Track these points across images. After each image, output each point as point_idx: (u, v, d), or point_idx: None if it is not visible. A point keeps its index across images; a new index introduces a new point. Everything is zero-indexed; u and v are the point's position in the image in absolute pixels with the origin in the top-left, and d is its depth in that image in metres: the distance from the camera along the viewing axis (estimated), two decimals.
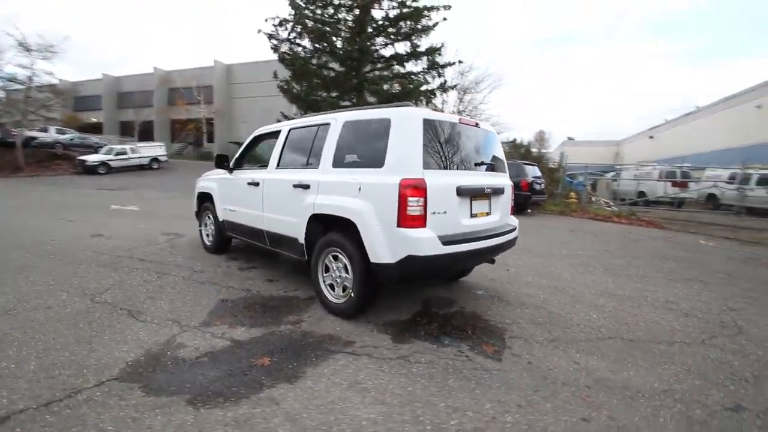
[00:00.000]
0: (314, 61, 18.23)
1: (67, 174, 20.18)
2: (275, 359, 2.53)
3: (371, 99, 18.67)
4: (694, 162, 20.10)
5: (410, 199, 2.73)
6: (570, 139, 47.75)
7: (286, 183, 3.70)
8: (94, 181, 17.44)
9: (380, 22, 17.83)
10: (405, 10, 17.34)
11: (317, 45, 18.01)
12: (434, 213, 2.84)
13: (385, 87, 18.33)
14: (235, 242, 5.34)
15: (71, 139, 24.30)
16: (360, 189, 2.99)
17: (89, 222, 7.43)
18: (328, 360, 2.54)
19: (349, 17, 18.07)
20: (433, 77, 17.99)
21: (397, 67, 18.82)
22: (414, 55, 18.19)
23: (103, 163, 20.80)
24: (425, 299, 3.75)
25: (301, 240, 3.53)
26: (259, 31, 18.12)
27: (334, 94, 18.51)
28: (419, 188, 2.74)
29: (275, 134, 4.29)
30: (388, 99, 17.53)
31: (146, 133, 33.52)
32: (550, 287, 4.36)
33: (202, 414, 1.94)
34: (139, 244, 5.57)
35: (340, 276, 3.24)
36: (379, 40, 18.33)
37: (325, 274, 3.39)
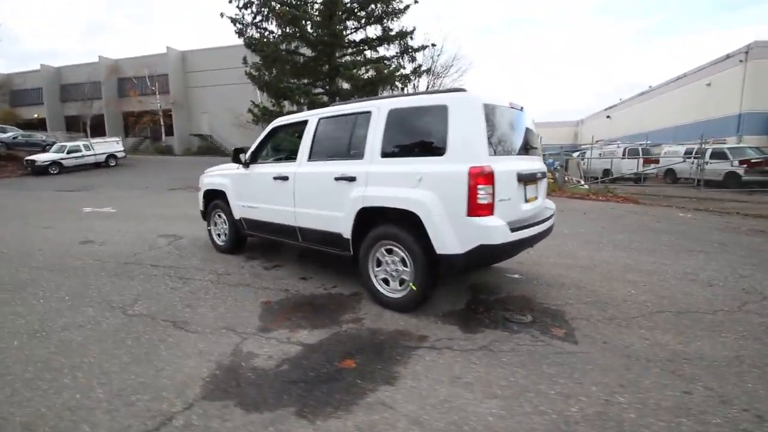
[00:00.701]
0: (284, 47, 17.49)
1: (15, 176, 18.35)
2: (359, 361, 2.43)
3: (345, 85, 18.30)
4: (650, 139, 21.39)
5: (480, 187, 2.68)
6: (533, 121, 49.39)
7: (324, 176, 3.53)
8: (48, 183, 15.98)
9: (350, 5, 17.33)
10: None
11: (287, 29, 17.27)
12: (501, 200, 2.81)
13: (360, 72, 18.00)
14: (249, 240, 5.08)
15: (14, 138, 22.05)
16: (420, 179, 2.89)
17: (69, 228, 6.79)
18: (412, 357, 2.47)
19: (318, 0, 17.44)
20: (408, 62, 17.85)
21: (369, 52, 18.48)
22: (386, 39, 17.88)
23: (55, 163, 19.09)
24: (468, 287, 3.75)
25: (347, 235, 3.39)
26: (222, 14, 17.13)
27: (305, 81, 17.94)
28: (488, 176, 2.69)
29: (300, 125, 4.06)
30: (364, 85, 17.26)
31: (96, 128, 31.05)
32: (577, 266, 4.50)
33: (321, 427, 1.83)
34: (141, 249, 5.17)
35: (396, 270, 3.15)
36: (351, 24, 17.87)
37: (377, 269, 3.29)
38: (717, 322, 3.01)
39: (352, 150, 3.43)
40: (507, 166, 2.92)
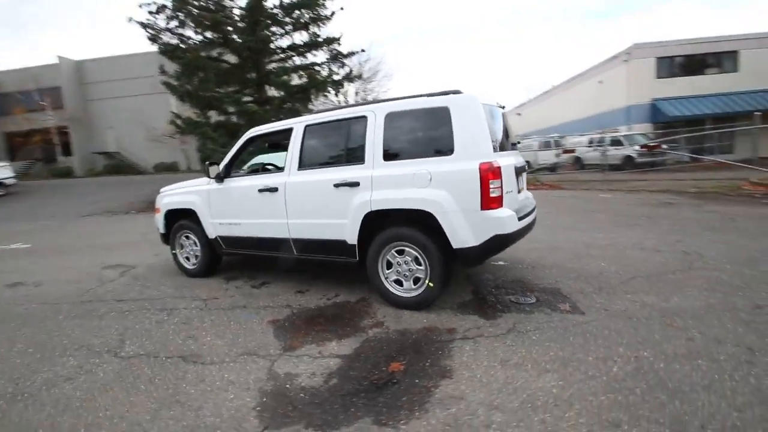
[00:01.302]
0: (203, 54, 16.40)
1: None
2: (404, 362, 2.44)
3: (275, 93, 17.74)
4: (557, 132, 24.02)
5: (491, 181, 2.85)
6: None
7: (322, 184, 3.44)
8: None
9: (273, 11, 16.86)
10: None
11: (208, 35, 16.24)
12: (507, 192, 3.02)
13: (290, 79, 17.59)
14: (224, 259, 4.72)
15: None
16: (431, 179, 2.99)
17: None
18: (453, 349, 2.55)
19: (236, 5, 16.70)
20: (338, 67, 17.84)
21: (298, 59, 18.14)
22: (315, 45, 17.71)
23: None
24: (465, 278, 3.93)
25: (352, 241, 3.35)
26: (131, 19, 15.57)
27: (232, 89, 17.03)
28: (496, 170, 2.88)
29: (282, 133, 3.91)
30: (296, 92, 16.90)
31: None
32: (545, 249, 4.94)
33: (403, 429, 1.82)
34: (90, 285, 4.52)
35: (409, 269, 3.20)
36: (276, 30, 17.36)
37: (387, 271, 3.31)
38: (679, 281, 3.56)
39: (350, 155, 3.41)
40: (506, 161, 3.14)
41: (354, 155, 3.38)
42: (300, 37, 17.85)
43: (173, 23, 15.95)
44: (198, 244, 4.47)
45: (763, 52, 19.94)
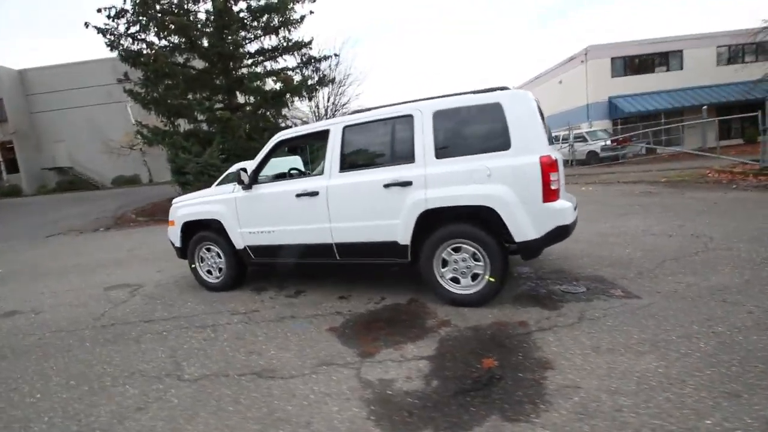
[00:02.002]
0: (171, 59, 15.64)
1: None
2: (494, 357, 2.42)
3: (247, 99, 17.23)
4: None
5: (551, 174, 2.91)
6: None
7: (369, 185, 3.37)
8: None
9: (241, 15, 16.39)
10: (269, 2, 16.32)
11: (174, 40, 15.51)
12: (562, 185, 3.10)
13: (261, 84, 17.14)
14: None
15: None
16: (490, 174, 3.00)
17: None
18: (536, 341, 2.56)
19: (201, 9, 16.11)
20: (312, 71, 17.58)
21: (269, 63, 17.72)
22: (286, 49, 17.39)
23: None
24: None
25: (404, 241, 3.31)
26: (87, 24, 14.56)
27: (202, 95, 16.35)
28: (554, 163, 2.94)
29: (316, 136, 3.80)
30: (272, 97, 16.50)
31: None
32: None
33: (545, 424, 1.80)
34: (103, 308, 4.16)
35: (467, 266, 3.20)
36: (245, 34, 16.87)
37: (442, 269, 3.29)
38: (706, 261, 3.80)
39: (397, 155, 3.36)
40: (556, 155, 3.22)
41: (401, 154, 3.33)
42: (269, 42, 17.51)
43: (134, 28, 15.10)
44: (222, 255, 4.23)
45: (703, 51, 21.86)
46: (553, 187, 2.93)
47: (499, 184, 2.98)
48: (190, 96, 16.11)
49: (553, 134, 21.60)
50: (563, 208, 2.96)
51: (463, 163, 3.10)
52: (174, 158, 14.92)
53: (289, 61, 17.90)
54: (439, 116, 3.22)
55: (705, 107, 13.76)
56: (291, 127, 18.98)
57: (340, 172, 3.53)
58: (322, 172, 3.64)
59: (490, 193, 2.99)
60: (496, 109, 3.06)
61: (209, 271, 4.38)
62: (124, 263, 6.54)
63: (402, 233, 3.31)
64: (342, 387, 2.28)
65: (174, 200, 4.67)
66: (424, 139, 3.23)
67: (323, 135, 3.72)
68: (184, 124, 16.92)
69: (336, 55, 18.22)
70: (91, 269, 6.24)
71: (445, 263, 3.27)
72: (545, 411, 1.89)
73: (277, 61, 17.44)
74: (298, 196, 3.66)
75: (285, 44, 17.07)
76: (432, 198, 3.15)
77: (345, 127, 3.57)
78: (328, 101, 23.07)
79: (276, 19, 16.86)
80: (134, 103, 16.97)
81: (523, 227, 2.96)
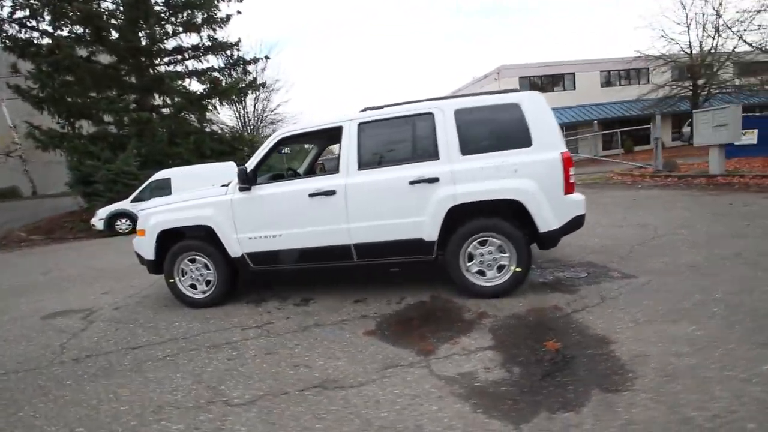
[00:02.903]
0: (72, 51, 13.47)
1: None
2: (553, 340, 2.54)
3: (165, 100, 15.59)
4: None
5: (570, 169, 3.17)
6: None
7: (394, 182, 3.30)
8: None
9: (158, 8, 14.87)
10: None
11: (74, 30, 13.40)
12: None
13: (182, 84, 15.68)
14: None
15: None
16: (516, 170, 3.16)
17: None
18: (580, 321, 2.74)
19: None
20: (241, 74, 16.56)
21: (191, 63, 16.31)
22: (211, 49, 16.18)
23: None
24: None
25: (431, 238, 3.30)
26: None
27: (111, 94, 14.37)
28: (571, 159, 3.21)
29: (325, 133, 3.62)
30: (199, 98, 15.18)
31: None
32: None
33: (638, 389, 1.94)
34: (57, 340, 3.39)
35: (493, 258, 3.31)
36: (164, 30, 15.29)
37: (468, 263, 3.35)
38: (665, 244, 4.45)
39: (419, 152, 3.36)
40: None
41: (424, 152, 3.34)
42: (190, 40, 16.15)
43: (22, 13, 12.74)
44: (212, 266, 3.74)
45: (590, 74, 25.72)
46: (571, 181, 3.20)
47: (525, 178, 3.16)
48: (94, 94, 14.05)
49: None
50: (580, 200, 3.25)
51: (489, 159, 3.22)
52: (77, 166, 12.83)
53: (215, 62, 16.53)
54: (460, 114, 3.31)
55: (595, 122, 16.24)
56: (219, 132, 17.65)
57: (358, 170, 3.40)
58: (336, 170, 3.47)
59: (518, 187, 3.15)
60: (515, 109, 3.25)
61: (193, 285, 3.84)
62: (50, 287, 5.41)
63: (428, 230, 3.30)
64: (425, 386, 2.18)
65: (142, 207, 4.02)
66: (447, 136, 3.28)
67: (334, 132, 3.56)
68: (87, 126, 14.66)
69: (267, 57, 17.51)
70: (6, 297, 5.03)
71: (470, 257, 3.35)
72: (634, 378, 2.04)
73: (201, 61, 16.15)
74: (311, 196, 3.43)
75: (210, 43, 15.90)
76: (461, 193, 3.21)
77: (360, 124, 3.46)
78: (255, 106, 21.95)
79: (199, 17, 15.64)
80: (17, 100, 14.28)
81: (547, 218, 3.17)
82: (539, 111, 3.25)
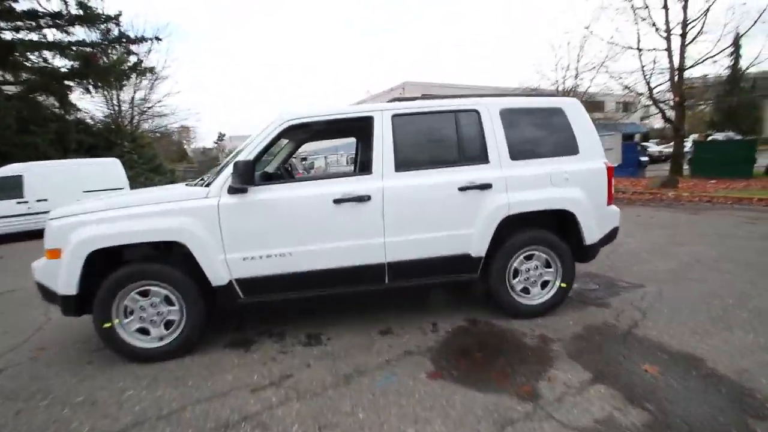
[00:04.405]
0: None
1: None
2: (646, 363, 2.34)
3: (8, 76, 11.90)
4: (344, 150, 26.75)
5: (611, 180, 3.10)
6: (222, 134, 48.56)
7: (442, 188, 2.77)
8: None
9: None
10: None
11: None
12: None
13: (41, 57, 12.19)
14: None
15: None
16: (567, 178, 2.95)
17: None
18: (650, 339, 2.63)
19: None
20: (124, 54, 13.62)
21: (51, 33, 12.80)
22: (82, 20, 12.95)
23: None
24: None
25: (478, 253, 2.86)
26: None
27: None
28: (612, 169, 3.15)
29: (349, 123, 2.90)
30: (64, 77, 11.93)
31: None
32: None
33: None
34: None
35: (539, 273, 3.03)
36: None
37: (513, 280, 3.00)
38: (641, 249, 4.84)
39: (467, 154, 2.90)
40: None
41: (471, 153, 2.90)
42: (50, 5, 12.74)
43: None
44: (178, 300, 2.62)
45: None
46: (612, 191, 3.14)
47: (576, 187, 2.98)
48: None
49: None
50: (617, 212, 3.20)
51: (540, 166, 2.95)
52: None
53: (88, 36, 13.23)
54: (506, 115, 2.98)
55: None
56: (89, 122, 14.16)
57: (396, 171, 2.78)
58: (368, 171, 2.78)
59: (570, 197, 2.94)
60: (559, 114, 3.07)
61: (144, 330, 2.64)
62: None
63: (477, 244, 2.86)
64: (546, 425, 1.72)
65: (52, 214, 2.62)
66: (496, 138, 2.91)
67: (359, 124, 2.88)
68: None
69: (157, 38, 14.74)
70: None
71: (515, 273, 3.01)
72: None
73: (66, 32, 12.74)
74: (337, 202, 2.66)
75: (80, 12, 12.72)
76: (515, 202, 2.86)
77: (395, 116, 2.85)
78: (134, 94, 18.30)
79: None
80: None
81: (593, 230, 3.04)
82: (582, 118, 3.12)
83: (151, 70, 15.44)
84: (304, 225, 2.67)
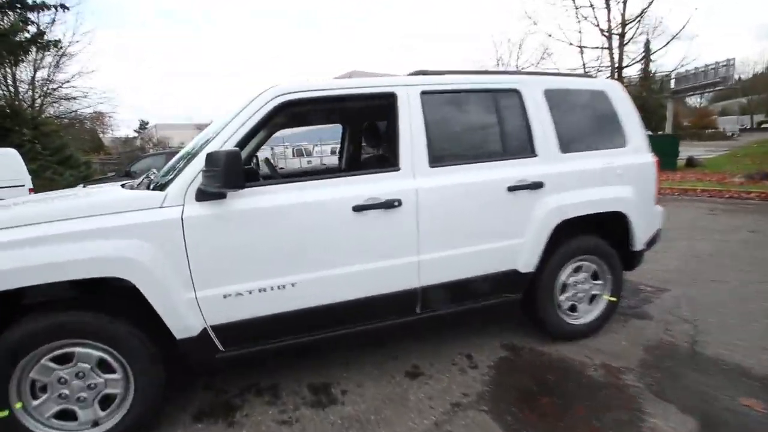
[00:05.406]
0: None
1: None
2: (752, 398, 1.95)
3: None
4: (288, 141, 25.32)
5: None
6: (144, 122, 43.54)
7: (486, 188, 2.16)
8: None
9: None
10: None
11: None
12: None
13: None
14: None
15: None
16: (621, 174, 2.49)
17: None
18: (730, 359, 2.27)
19: None
20: (20, 21, 11.06)
21: None
22: None
23: None
24: None
25: (528, 268, 2.31)
26: None
27: None
28: (659, 164, 2.75)
29: (363, 103, 2.16)
30: None
31: None
32: None
33: None
34: None
35: (586, 287, 2.56)
36: None
37: (560, 297, 2.50)
38: None
39: (511, 144, 2.31)
40: None
41: (515, 144, 2.32)
42: None
43: None
44: (121, 365, 1.72)
45: None
46: (658, 189, 2.76)
47: (627, 185, 2.53)
48: None
49: (326, 145, 22.93)
50: (661, 211, 2.83)
51: (591, 160, 2.46)
52: None
53: None
54: (550, 97, 2.43)
55: None
56: None
57: (430, 166, 2.10)
58: (393, 166, 2.06)
59: (623, 196, 2.49)
60: (603, 99, 2.59)
61: (67, 413, 1.70)
62: None
63: (526, 257, 2.30)
64: None
65: None
66: (543, 125, 2.36)
67: (375, 102, 2.18)
68: None
69: (63, 6, 12.18)
70: None
71: (563, 288, 2.51)
72: None
73: None
74: (358, 209, 1.92)
75: None
76: (569, 204, 2.33)
77: (424, 94, 2.16)
78: (35, 73, 15.26)
79: None
80: None
81: (642, 233, 2.62)
82: (626, 103, 2.67)
83: (56, 43, 12.84)
84: (314, 242, 1.90)
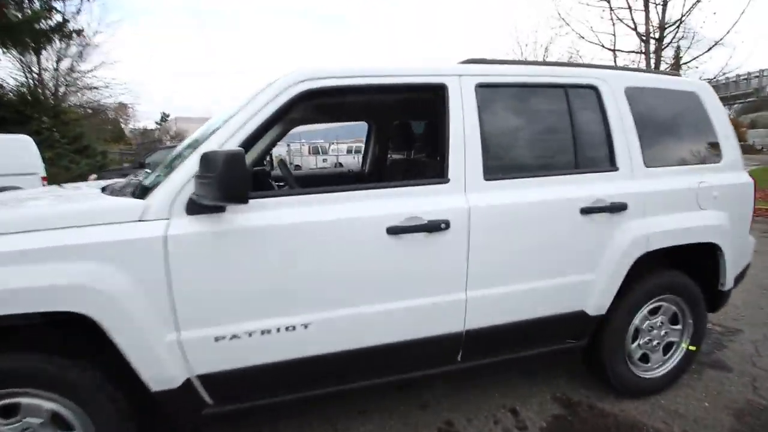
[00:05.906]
0: None
1: None
2: None
3: None
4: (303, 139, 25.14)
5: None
6: (165, 114, 43.69)
7: (557, 208, 1.70)
8: None
9: None
10: None
11: None
12: None
13: None
14: None
15: None
16: (716, 196, 2.00)
17: None
18: None
19: None
20: (46, 10, 10.91)
21: None
22: None
23: None
24: None
25: (598, 310, 1.85)
26: None
27: None
28: (757, 185, 2.25)
29: (402, 95, 1.74)
30: None
31: None
32: None
33: None
34: None
35: (663, 333, 2.08)
36: None
37: (632, 345, 2.02)
38: None
39: (585, 154, 1.84)
40: None
41: (591, 154, 1.85)
42: None
43: None
44: (82, 423, 1.32)
45: None
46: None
47: (721, 210, 2.04)
48: None
49: (341, 144, 22.62)
50: (753, 242, 2.33)
51: (681, 177, 1.98)
52: None
53: None
54: (631, 97, 1.95)
55: None
56: None
57: (485, 179, 1.65)
58: (441, 177, 1.62)
59: (719, 224, 2.00)
60: (695, 102, 2.11)
61: None
62: None
63: (599, 296, 1.83)
64: None
65: None
66: (625, 131, 1.88)
67: (422, 94, 1.74)
68: None
69: None
70: None
71: (635, 334, 2.03)
72: None
73: None
74: (394, 232, 1.48)
75: None
76: (656, 233, 1.86)
77: (479, 87, 1.70)
78: (57, 62, 15.14)
79: None
80: None
81: (731, 269, 2.13)
82: (720, 111, 2.18)
83: (78, 32, 12.67)
84: (336, 273, 1.47)
